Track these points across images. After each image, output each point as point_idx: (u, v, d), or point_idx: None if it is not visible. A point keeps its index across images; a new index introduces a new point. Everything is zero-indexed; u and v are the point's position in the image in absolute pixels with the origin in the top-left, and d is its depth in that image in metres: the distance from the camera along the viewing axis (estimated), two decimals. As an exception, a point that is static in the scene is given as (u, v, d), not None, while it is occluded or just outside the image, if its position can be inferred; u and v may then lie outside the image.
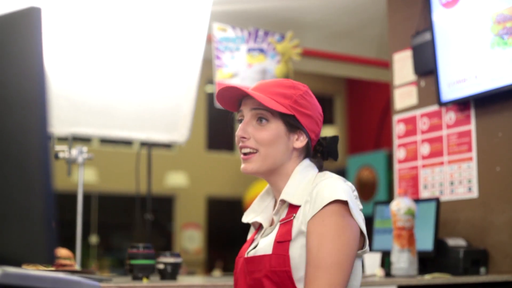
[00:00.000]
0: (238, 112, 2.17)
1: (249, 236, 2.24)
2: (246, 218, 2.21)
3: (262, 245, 2.03)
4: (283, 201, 2.05)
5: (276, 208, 2.07)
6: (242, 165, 2.11)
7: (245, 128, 2.10)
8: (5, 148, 1.17)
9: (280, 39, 4.70)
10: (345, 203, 1.91)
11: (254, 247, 2.08)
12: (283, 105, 2.07)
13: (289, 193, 2.04)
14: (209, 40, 4.56)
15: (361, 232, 1.97)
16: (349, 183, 2.03)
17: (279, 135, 2.07)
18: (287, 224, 1.99)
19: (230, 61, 4.47)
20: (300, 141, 2.10)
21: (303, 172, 2.09)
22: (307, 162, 2.13)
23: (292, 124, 2.08)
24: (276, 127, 2.07)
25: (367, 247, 2.02)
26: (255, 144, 2.08)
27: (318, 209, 1.91)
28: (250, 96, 2.10)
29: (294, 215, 1.98)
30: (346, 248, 1.90)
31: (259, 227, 2.19)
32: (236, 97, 2.16)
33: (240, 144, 2.11)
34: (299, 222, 1.96)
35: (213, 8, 4.51)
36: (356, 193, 2.03)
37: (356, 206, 1.97)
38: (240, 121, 2.15)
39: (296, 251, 1.94)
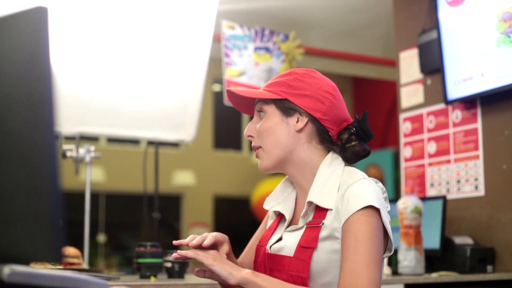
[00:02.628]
0: None
1: (270, 223, 2.21)
2: (268, 204, 2.17)
3: (287, 243, 2.01)
4: (310, 203, 1.99)
5: (304, 211, 1.99)
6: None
7: (249, 127, 2.13)
8: (13, 148, 1.17)
9: (285, 38, 4.70)
10: (376, 209, 1.88)
11: (278, 241, 2.06)
12: (274, 92, 2.06)
13: (317, 195, 1.97)
14: (216, 39, 4.57)
15: (386, 235, 1.94)
16: (380, 184, 1.98)
17: (276, 122, 2.05)
18: (314, 229, 1.94)
19: (238, 59, 4.48)
20: (300, 123, 2.04)
21: (329, 168, 2.03)
22: (331, 155, 2.07)
23: (286, 107, 2.05)
24: (271, 116, 2.06)
25: (392, 251, 1.98)
26: (258, 140, 2.09)
27: (353, 212, 1.87)
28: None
29: (322, 221, 1.93)
30: (380, 248, 1.88)
31: (280, 215, 2.15)
32: (250, 101, 2.17)
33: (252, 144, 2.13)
34: (329, 229, 1.91)
35: (220, 6, 4.52)
36: (386, 194, 1.99)
37: (385, 210, 1.93)
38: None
39: (323, 256, 1.91)
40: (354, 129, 2.10)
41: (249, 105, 2.19)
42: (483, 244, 3.88)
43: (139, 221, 11.91)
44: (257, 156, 2.11)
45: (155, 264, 3.06)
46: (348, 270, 1.83)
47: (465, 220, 4.06)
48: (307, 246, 1.92)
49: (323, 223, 1.93)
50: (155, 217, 4.55)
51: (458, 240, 3.80)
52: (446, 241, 3.77)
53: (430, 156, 4.32)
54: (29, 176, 1.16)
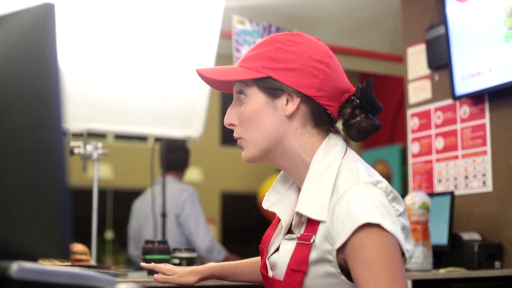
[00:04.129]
0: None
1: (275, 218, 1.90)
2: (267, 202, 1.84)
3: (280, 258, 1.71)
4: (300, 214, 1.67)
5: (294, 221, 1.69)
6: None
7: (229, 112, 1.78)
8: (21, 145, 1.18)
9: None
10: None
11: (276, 251, 1.78)
12: (252, 69, 1.69)
13: (306, 202, 1.65)
14: (223, 35, 4.56)
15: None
16: (383, 185, 1.65)
17: (260, 107, 1.69)
18: (304, 247, 1.63)
19: (248, 54, 4.48)
20: (291, 105, 1.68)
21: (323, 161, 1.67)
22: (326, 143, 1.71)
23: (270, 88, 1.68)
24: (253, 99, 1.71)
25: (407, 258, 1.67)
26: (240, 129, 1.75)
27: (349, 234, 1.56)
28: None
29: (313, 238, 1.61)
30: (401, 270, 1.58)
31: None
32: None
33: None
34: (320, 250, 1.61)
35: (231, 2, 4.52)
36: (392, 195, 1.66)
37: (391, 219, 1.60)
38: None
39: (316, 281, 1.63)
40: (357, 100, 1.74)
41: (229, 83, 1.81)
42: (491, 240, 3.87)
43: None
44: (239, 146, 1.79)
45: (163, 261, 3.06)
46: None
47: (473, 216, 4.05)
48: (296, 270, 1.63)
49: (313, 240, 1.61)
50: (163, 213, 4.56)
51: (466, 236, 3.79)
52: (454, 237, 3.76)
53: (438, 152, 4.31)
54: (36, 173, 1.16)
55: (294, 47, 1.69)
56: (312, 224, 1.63)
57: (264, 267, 1.83)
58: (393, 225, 1.59)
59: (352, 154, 1.72)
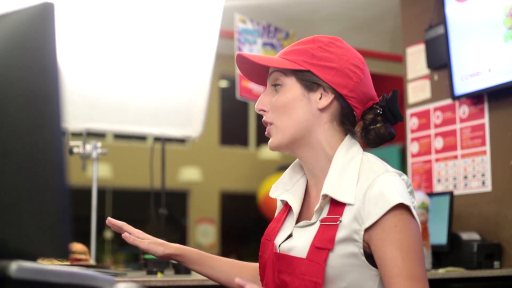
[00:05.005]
0: None
1: (277, 213, 1.98)
2: (274, 192, 1.92)
3: (297, 242, 1.78)
4: (325, 196, 1.74)
5: (318, 205, 1.75)
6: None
7: (262, 99, 1.86)
8: (20, 144, 1.18)
9: (286, 36, 4.70)
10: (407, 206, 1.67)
11: (288, 238, 1.83)
12: (294, 62, 1.80)
13: (333, 187, 1.73)
14: (223, 35, 4.56)
15: None
16: (405, 177, 1.77)
17: (295, 97, 1.79)
18: (330, 228, 1.70)
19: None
20: (324, 100, 1.79)
21: (346, 155, 1.78)
22: (348, 141, 1.82)
23: (308, 81, 1.79)
24: (290, 89, 1.80)
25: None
26: (272, 115, 1.82)
27: (381, 214, 1.65)
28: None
29: (340, 219, 1.69)
30: (422, 251, 1.69)
31: (289, 204, 1.90)
32: (263, 70, 1.91)
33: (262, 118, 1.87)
34: (348, 229, 1.69)
35: (232, 1, 4.52)
36: (410, 188, 1.78)
37: (413, 207, 1.72)
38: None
39: (339, 260, 1.69)
40: (381, 109, 1.85)
41: (262, 74, 1.92)
42: (490, 240, 3.87)
43: (146, 217, 11.91)
44: (267, 133, 1.84)
45: (162, 260, 3.06)
46: (397, 286, 1.64)
47: (472, 215, 4.05)
48: (322, 247, 1.69)
49: (340, 221, 1.69)
50: (162, 213, 4.56)
51: (465, 235, 3.79)
52: (453, 236, 3.77)
53: (437, 151, 4.31)
54: (36, 172, 1.16)
55: (335, 49, 1.81)
56: (336, 207, 1.72)
57: (271, 255, 1.85)
58: (416, 215, 1.72)
59: (369, 153, 1.84)
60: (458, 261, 3.67)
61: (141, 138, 11.80)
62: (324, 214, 1.75)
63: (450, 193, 3.85)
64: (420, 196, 3.58)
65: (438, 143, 4.31)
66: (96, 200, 4.01)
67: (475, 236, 3.84)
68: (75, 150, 3.94)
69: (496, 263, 3.75)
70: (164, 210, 4.57)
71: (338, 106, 1.80)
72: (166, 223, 4.63)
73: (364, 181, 1.71)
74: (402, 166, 10.07)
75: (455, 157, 4.18)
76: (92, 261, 3.35)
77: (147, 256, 3.03)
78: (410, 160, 4.53)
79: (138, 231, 2.14)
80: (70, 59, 4.07)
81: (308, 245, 1.73)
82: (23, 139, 1.17)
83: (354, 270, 1.70)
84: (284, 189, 1.91)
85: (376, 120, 1.85)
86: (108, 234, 12.06)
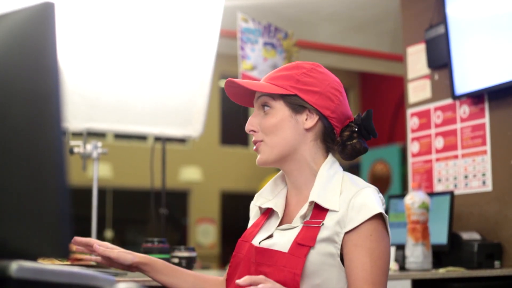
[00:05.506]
0: None
1: (255, 219, 2.17)
2: (258, 201, 2.14)
3: (279, 240, 1.95)
4: (312, 202, 1.94)
5: (304, 209, 1.95)
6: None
7: (251, 121, 2.04)
8: (20, 144, 1.18)
9: (285, 36, 4.70)
10: (382, 217, 1.89)
11: (268, 238, 2.01)
12: (282, 87, 1.99)
13: (320, 195, 1.93)
14: (224, 34, 4.56)
15: None
16: (381, 195, 1.98)
17: (284, 118, 1.98)
18: (312, 228, 1.90)
19: (251, 53, 4.47)
20: (310, 121, 1.99)
21: (329, 171, 1.99)
22: (330, 158, 2.03)
23: (295, 104, 1.98)
24: (279, 111, 1.99)
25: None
26: (261, 135, 2.01)
27: (362, 221, 1.85)
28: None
29: (322, 222, 1.89)
30: (388, 262, 1.91)
31: (267, 212, 2.11)
32: (249, 92, 2.09)
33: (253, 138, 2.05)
34: (330, 231, 1.88)
35: (234, 1, 4.52)
36: (384, 206, 1.96)
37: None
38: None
39: (318, 258, 1.87)
40: (356, 126, 2.05)
41: (248, 97, 2.12)
42: (491, 240, 3.87)
43: (146, 217, 11.93)
44: (256, 150, 2.04)
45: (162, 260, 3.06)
46: None
47: (473, 215, 4.05)
48: (303, 244, 1.88)
49: (323, 224, 1.89)
50: (162, 213, 4.56)
51: (466, 235, 3.79)
52: (453, 236, 3.77)
53: (438, 151, 4.31)
54: (36, 172, 1.16)
55: (317, 75, 2.02)
56: (319, 213, 1.92)
57: (249, 251, 2.03)
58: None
59: (347, 173, 2.05)
60: (459, 261, 3.67)
61: (142, 138, 11.81)
62: (307, 218, 1.95)
63: (451, 193, 3.85)
64: (421, 196, 3.58)
65: (439, 142, 4.31)
66: (97, 200, 4.00)
67: (475, 236, 3.84)
68: (76, 150, 3.94)
69: (497, 263, 3.75)
70: (165, 210, 4.57)
71: (322, 126, 2.01)
72: (166, 223, 4.63)
73: (348, 192, 1.92)
74: (402, 165, 10.09)
75: (456, 156, 4.18)
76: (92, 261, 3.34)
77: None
78: (410, 160, 4.53)
79: (106, 243, 2.23)
80: (70, 59, 4.07)
81: (290, 242, 1.91)
82: (24, 139, 1.17)
83: (329, 269, 1.88)
84: (267, 199, 2.13)
85: (352, 137, 2.04)
86: (108, 234, 12.06)
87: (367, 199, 1.88)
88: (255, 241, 2.03)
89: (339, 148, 2.05)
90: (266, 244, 1.98)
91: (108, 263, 2.14)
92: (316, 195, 1.93)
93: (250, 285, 1.71)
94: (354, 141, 2.04)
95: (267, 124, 2.00)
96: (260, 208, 2.15)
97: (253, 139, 2.04)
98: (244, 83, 2.00)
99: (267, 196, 2.13)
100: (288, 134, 1.99)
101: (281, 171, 2.12)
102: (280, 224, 2.03)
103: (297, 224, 1.96)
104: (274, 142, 1.99)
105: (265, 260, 1.94)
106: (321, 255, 1.87)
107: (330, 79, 2.03)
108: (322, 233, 1.88)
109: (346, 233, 1.86)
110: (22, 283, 1.12)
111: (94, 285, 1.24)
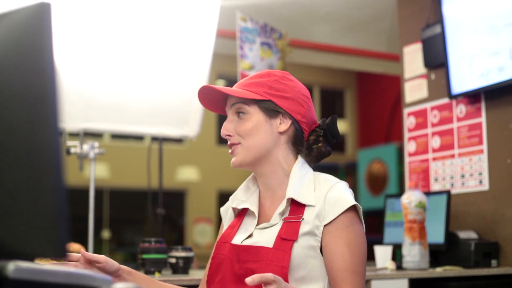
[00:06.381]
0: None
1: (229, 222, 2.23)
2: (233, 203, 2.22)
3: (260, 238, 2.05)
4: (289, 199, 2.05)
5: (282, 205, 2.05)
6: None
7: (227, 126, 2.13)
8: (17, 144, 1.18)
9: (280, 36, 4.71)
10: (355, 210, 2.01)
11: (248, 237, 2.08)
12: (256, 93, 2.08)
13: (296, 192, 2.04)
14: (221, 34, 4.56)
15: None
16: (351, 190, 2.08)
17: (259, 123, 2.08)
18: (293, 224, 2.01)
19: (249, 52, 4.47)
20: (284, 125, 2.10)
21: (301, 170, 2.10)
22: (300, 159, 2.14)
23: (270, 109, 2.09)
24: (254, 116, 2.09)
25: None
26: (238, 138, 2.10)
27: (338, 213, 1.97)
28: (231, 95, 2.12)
29: (302, 217, 2.01)
30: (366, 251, 2.03)
31: (242, 213, 2.19)
32: (222, 99, 2.19)
33: (228, 142, 2.14)
34: (311, 225, 1.98)
35: (227, 0, 4.52)
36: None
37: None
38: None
39: (299, 250, 1.97)
40: (322, 131, 2.17)
41: (220, 103, 2.20)
42: (488, 239, 3.88)
43: (143, 217, 11.93)
44: (232, 153, 2.14)
45: (160, 260, 3.07)
46: (340, 278, 1.95)
47: (470, 214, 4.06)
48: (287, 238, 1.98)
49: (303, 219, 2.00)
50: (160, 213, 4.56)
51: (463, 234, 3.80)
52: (450, 235, 3.77)
53: (434, 150, 4.32)
54: (33, 172, 1.16)
55: (288, 82, 2.13)
56: (297, 209, 2.03)
57: (230, 251, 2.09)
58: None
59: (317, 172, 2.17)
60: (456, 260, 3.68)
61: (139, 138, 11.79)
62: (286, 215, 2.05)
63: (448, 192, 3.86)
64: (418, 195, 3.59)
65: (435, 142, 4.31)
66: (94, 200, 4.00)
67: (472, 235, 3.85)
68: (73, 150, 3.94)
69: (494, 262, 3.75)
70: (162, 210, 4.57)
71: (294, 130, 2.12)
72: (163, 223, 4.63)
73: (322, 187, 2.03)
74: (399, 165, 10.09)
75: (452, 156, 4.19)
76: (89, 261, 3.34)
77: (144, 256, 3.04)
78: (407, 159, 4.53)
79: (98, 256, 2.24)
80: (67, 59, 4.07)
81: (272, 239, 2.01)
82: (20, 139, 1.17)
83: (312, 261, 1.98)
84: (241, 201, 2.20)
85: (318, 140, 2.17)
86: (105, 234, 12.06)
87: (341, 193, 2.00)
88: (236, 241, 2.10)
89: (305, 151, 2.17)
90: (248, 243, 2.06)
91: (93, 268, 2.12)
92: (292, 192, 2.04)
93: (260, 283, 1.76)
94: (320, 144, 2.16)
95: (244, 128, 2.09)
96: (234, 210, 2.22)
97: (229, 142, 2.13)
98: (222, 88, 2.10)
99: (241, 198, 2.21)
100: (263, 137, 2.09)
101: (251, 175, 2.24)
102: (257, 224, 2.12)
103: (276, 221, 2.05)
104: (251, 145, 2.09)
105: (251, 257, 2.02)
106: (303, 248, 1.97)
107: (299, 86, 2.15)
108: (303, 228, 1.99)
109: (325, 226, 1.98)
110: (19, 283, 1.12)
111: (92, 285, 1.24)
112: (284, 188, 2.10)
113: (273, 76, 2.13)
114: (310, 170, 2.13)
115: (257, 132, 2.08)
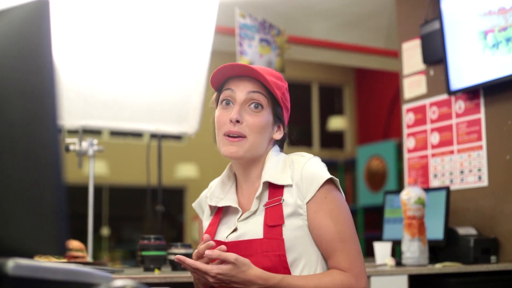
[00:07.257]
0: (222, 92, 2.14)
1: (209, 220, 2.20)
2: (211, 201, 2.19)
3: (247, 230, 2.04)
4: (265, 184, 2.06)
5: (259, 190, 2.05)
6: (226, 147, 2.08)
7: (241, 112, 2.07)
8: (16, 141, 1.17)
9: (278, 33, 4.70)
10: (332, 180, 2.03)
11: (233, 232, 2.07)
12: (277, 93, 2.09)
13: (272, 175, 2.05)
14: (220, 31, 4.56)
15: None
16: (323, 164, 2.10)
17: (268, 124, 2.10)
18: (275, 208, 2.01)
19: (248, 49, 4.47)
20: (279, 133, 2.16)
21: (275, 155, 2.12)
22: (276, 147, 2.17)
23: (278, 115, 2.13)
24: (267, 115, 2.09)
25: None
26: (246, 130, 2.06)
27: (316, 189, 1.98)
28: (244, 78, 2.08)
29: (282, 198, 2.01)
30: (350, 215, 2.05)
31: (219, 211, 2.17)
32: (226, 76, 2.14)
33: (230, 128, 2.07)
34: (293, 205, 2.00)
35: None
36: None
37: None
38: (225, 102, 2.11)
39: (290, 233, 1.98)
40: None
41: (221, 80, 2.18)
42: (487, 235, 3.88)
43: (142, 214, 11.92)
44: (233, 140, 2.07)
45: (159, 257, 3.07)
46: (332, 249, 1.99)
47: (469, 210, 4.06)
48: (274, 225, 1.99)
49: (283, 200, 2.01)
50: (159, 210, 4.56)
51: (462, 230, 3.80)
52: (449, 232, 3.77)
53: (433, 147, 4.32)
54: (32, 169, 1.16)
55: (288, 95, 2.17)
56: (275, 191, 2.04)
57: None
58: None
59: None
60: (455, 256, 3.68)
61: (137, 135, 11.78)
62: (265, 200, 2.05)
63: (447, 188, 3.85)
64: (417, 191, 3.59)
65: (434, 138, 4.31)
66: (93, 197, 4.00)
67: (471, 231, 3.85)
68: (71, 147, 3.94)
69: (493, 258, 3.75)
70: (161, 207, 4.57)
71: (281, 137, 2.19)
72: (162, 220, 4.63)
73: (297, 164, 2.04)
74: (398, 161, 10.09)
75: (451, 152, 4.19)
76: (89, 258, 3.35)
77: (144, 253, 3.03)
78: (406, 156, 4.53)
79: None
80: (65, 56, 4.06)
81: (260, 228, 2.01)
82: (19, 137, 1.17)
83: (302, 241, 2.00)
84: (219, 198, 2.18)
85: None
86: (105, 231, 12.05)
87: (315, 169, 2.02)
88: (221, 238, 2.09)
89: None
90: (234, 237, 2.06)
91: None
92: (268, 175, 2.06)
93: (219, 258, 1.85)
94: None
95: (257, 122, 2.07)
96: (211, 208, 2.21)
97: (236, 129, 2.06)
98: (262, 71, 2.07)
99: (219, 196, 2.19)
100: (264, 139, 2.10)
101: (227, 168, 2.24)
102: (239, 217, 2.10)
103: (256, 207, 2.05)
104: (255, 143, 2.07)
105: (244, 251, 1.98)
106: (292, 230, 1.98)
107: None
108: (287, 210, 2.00)
109: (307, 203, 2.00)
110: (19, 280, 1.12)
111: (91, 282, 1.24)
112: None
113: (284, 83, 2.15)
114: (282, 153, 2.16)
115: (264, 132, 2.09)
